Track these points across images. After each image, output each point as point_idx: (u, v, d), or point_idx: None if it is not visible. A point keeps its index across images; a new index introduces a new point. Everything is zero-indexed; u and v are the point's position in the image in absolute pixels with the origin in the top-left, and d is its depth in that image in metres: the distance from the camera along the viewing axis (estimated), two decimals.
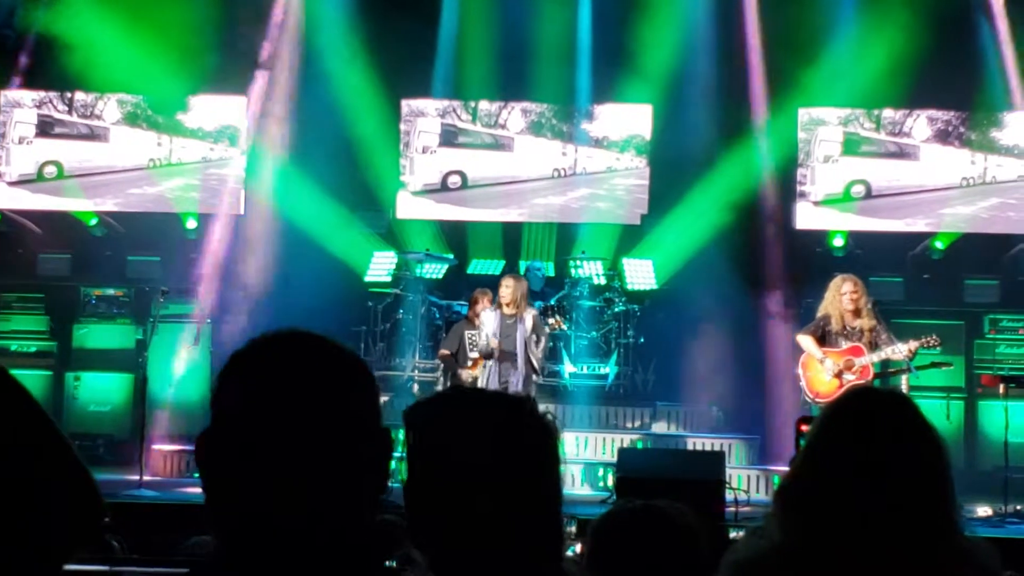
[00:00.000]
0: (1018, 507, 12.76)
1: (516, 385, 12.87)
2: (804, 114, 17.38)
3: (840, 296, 11.98)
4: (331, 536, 2.12)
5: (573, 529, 7.38)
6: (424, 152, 17.90)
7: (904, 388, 12.04)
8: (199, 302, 16.46)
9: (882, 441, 2.55)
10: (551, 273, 16.98)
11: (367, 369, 2.21)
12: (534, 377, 13.23)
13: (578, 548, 7.19)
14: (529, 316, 13.12)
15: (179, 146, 17.73)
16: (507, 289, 13.12)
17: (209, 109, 17.73)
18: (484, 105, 17.82)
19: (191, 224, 17.51)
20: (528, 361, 13.06)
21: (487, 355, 13.10)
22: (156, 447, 14.67)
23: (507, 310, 13.08)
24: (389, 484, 2.23)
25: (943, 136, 17.27)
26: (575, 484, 14.41)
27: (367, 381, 2.20)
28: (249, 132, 17.66)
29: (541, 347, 13.20)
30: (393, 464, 2.24)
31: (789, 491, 2.59)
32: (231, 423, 2.14)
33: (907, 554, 2.47)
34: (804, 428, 7.39)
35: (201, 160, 17.74)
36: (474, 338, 13.49)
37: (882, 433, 2.57)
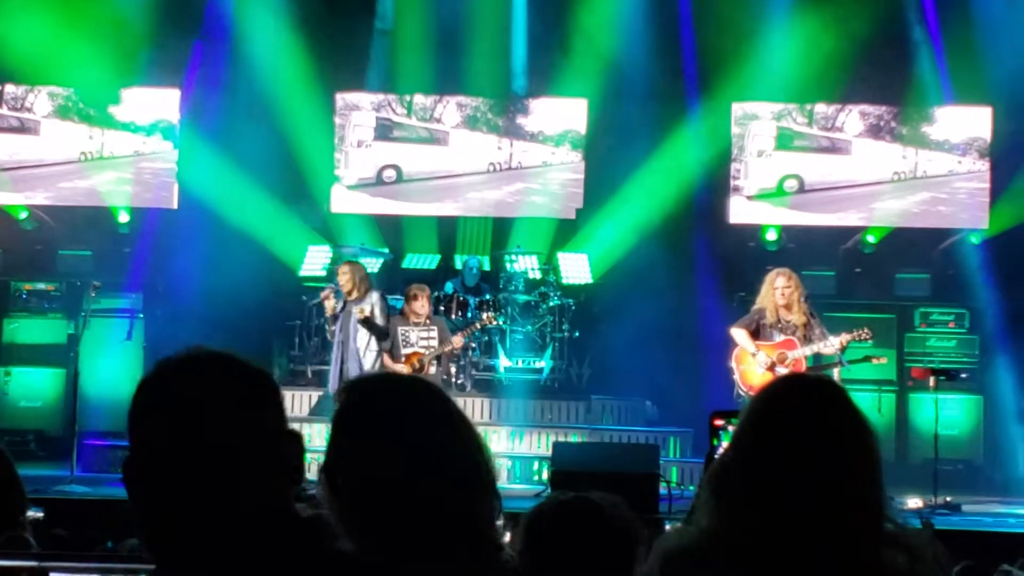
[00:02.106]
0: (948, 499, 12.88)
1: (356, 372, 12.79)
2: (738, 109, 17.47)
3: (773, 290, 12.05)
4: (261, 536, 2.21)
5: (500, 522, 7.38)
6: (359, 146, 17.85)
7: (836, 381, 12.12)
8: (131, 297, 16.34)
9: (811, 426, 2.57)
10: (486, 267, 16.99)
11: (272, 381, 2.36)
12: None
13: (507, 538, 7.22)
14: (368, 300, 13.03)
15: (111, 139, 17.58)
16: (344, 276, 13.09)
17: (141, 102, 17.59)
18: (419, 99, 17.78)
19: (123, 218, 17.38)
20: (366, 346, 12.96)
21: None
22: (88, 442, 14.55)
23: (350, 296, 13.05)
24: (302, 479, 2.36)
25: (875, 131, 17.40)
26: (510, 478, 14.42)
27: (272, 393, 2.33)
28: (182, 125, 17.54)
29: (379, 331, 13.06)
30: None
31: (718, 477, 2.60)
32: (150, 448, 2.26)
33: (835, 540, 2.49)
34: (718, 423, 7.42)
35: (133, 154, 17.59)
36: (407, 334, 13.47)
37: (811, 419, 2.58)
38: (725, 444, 4.31)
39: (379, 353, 13.05)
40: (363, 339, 12.96)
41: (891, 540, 2.54)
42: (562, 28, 17.31)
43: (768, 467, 2.54)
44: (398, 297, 14.86)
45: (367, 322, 12.88)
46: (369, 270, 16.48)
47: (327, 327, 13.34)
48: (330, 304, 13.17)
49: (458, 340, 13.84)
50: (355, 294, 13.04)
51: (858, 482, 2.54)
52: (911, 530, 2.61)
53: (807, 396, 2.64)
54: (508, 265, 16.77)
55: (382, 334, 13.06)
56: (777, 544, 2.48)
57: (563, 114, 17.72)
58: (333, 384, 13.15)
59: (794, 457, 2.53)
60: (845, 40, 16.52)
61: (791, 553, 2.48)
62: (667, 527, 9.18)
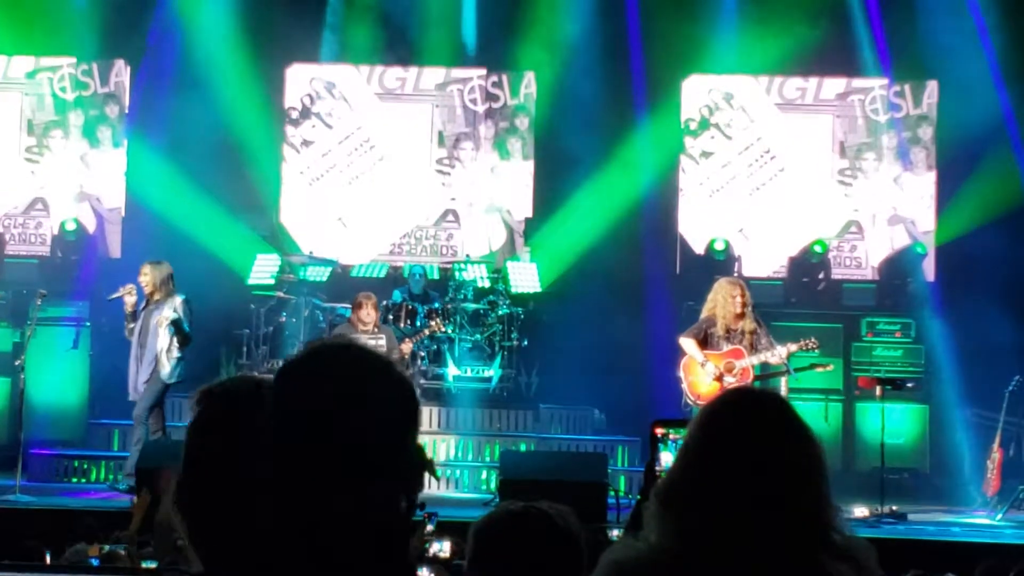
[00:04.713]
0: (894, 507, 12.97)
1: (148, 366, 12.72)
2: (687, 118, 17.57)
3: (731, 299, 12.05)
4: (371, 534, 2.23)
5: (432, 527, 7.42)
6: (309, 152, 17.84)
7: (783, 390, 12.18)
8: (78, 305, 16.21)
9: (758, 440, 2.58)
10: (432, 275, 16.94)
11: (414, 394, 2.35)
12: (164, 366, 13.07)
13: (446, 546, 7.23)
14: (171, 304, 12.86)
15: (59, 144, 17.48)
16: (145, 276, 12.98)
17: (90, 107, 17.49)
18: (371, 103, 17.83)
19: (70, 225, 17.23)
20: (166, 349, 12.81)
21: None
22: (34, 452, 14.43)
23: (152, 297, 12.95)
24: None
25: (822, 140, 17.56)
26: (458, 487, 14.42)
27: (414, 406, 2.33)
28: (131, 132, 17.46)
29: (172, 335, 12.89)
30: None
31: (666, 491, 2.61)
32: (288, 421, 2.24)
33: (783, 553, 2.50)
34: (659, 431, 7.41)
35: (81, 159, 17.50)
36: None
37: (758, 432, 2.60)
38: (665, 454, 4.32)
39: (180, 359, 12.86)
40: (163, 342, 12.81)
41: (837, 551, 2.55)
42: (512, 39, 17.39)
43: (714, 482, 2.55)
44: (346, 306, 14.85)
45: (176, 324, 12.74)
46: (316, 278, 16.47)
47: (125, 324, 13.23)
48: (130, 301, 13.06)
49: (406, 347, 13.83)
50: (156, 296, 12.93)
51: (804, 496, 2.55)
52: (857, 540, 2.63)
53: (752, 411, 2.65)
54: (457, 273, 16.74)
55: (186, 339, 12.90)
56: (724, 558, 2.50)
57: (513, 123, 17.75)
58: (131, 386, 12.97)
59: (740, 472, 2.55)
60: (791, 48, 16.72)
61: (739, 567, 2.49)
62: (614, 533, 9.21)
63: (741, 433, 2.60)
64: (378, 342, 13.66)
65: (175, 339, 12.78)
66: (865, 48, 17.21)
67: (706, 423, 2.67)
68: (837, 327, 16.28)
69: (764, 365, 12.15)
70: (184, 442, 2.38)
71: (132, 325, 13.03)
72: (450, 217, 17.83)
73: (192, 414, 2.41)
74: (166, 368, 12.77)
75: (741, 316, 12.05)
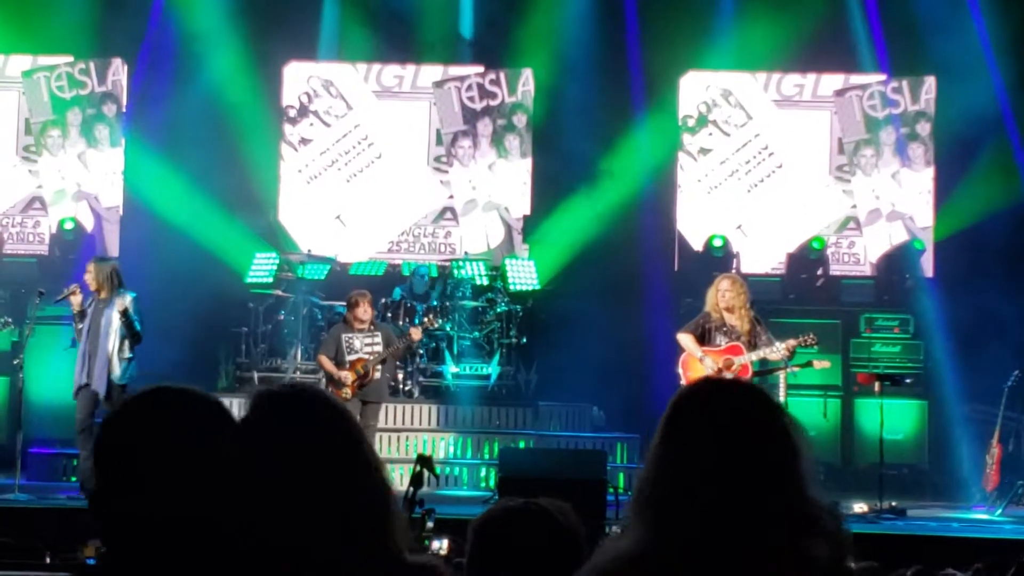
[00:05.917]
0: (893, 503, 12.97)
1: (102, 369, 12.66)
2: (685, 114, 17.57)
3: (717, 292, 12.10)
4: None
5: (431, 525, 7.41)
6: (307, 151, 17.83)
7: (782, 386, 12.19)
8: (77, 303, 16.19)
9: (728, 427, 2.58)
10: (434, 274, 16.93)
11: (225, 411, 2.65)
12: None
13: (445, 543, 7.23)
14: (118, 301, 12.75)
15: (56, 143, 17.47)
16: (89, 274, 12.88)
17: (88, 106, 17.49)
18: (369, 105, 17.81)
19: (68, 224, 17.21)
20: (117, 350, 12.71)
21: None
22: (33, 451, 14.43)
23: (99, 295, 12.86)
24: None
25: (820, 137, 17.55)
26: (457, 484, 14.42)
27: (227, 422, 2.60)
28: (129, 131, 17.45)
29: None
30: None
31: (638, 490, 2.61)
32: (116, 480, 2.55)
33: (757, 535, 2.49)
34: None
35: (79, 158, 17.49)
36: (351, 340, 13.43)
37: (727, 419, 2.60)
38: None
39: (131, 359, 12.78)
40: (113, 342, 12.72)
41: (813, 530, 2.54)
42: (510, 34, 17.39)
43: (686, 472, 2.55)
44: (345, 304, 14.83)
45: (125, 315, 12.62)
46: (314, 276, 16.45)
47: (74, 325, 13.17)
48: (76, 300, 12.98)
49: (416, 333, 13.76)
50: (103, 293, 12.84)
51: (775, 475, 2.54)
52: (831, 512, 2.62)
53: (721, 397, 2.65)
54: (455, 271, 16.74)
55: (137, 337, 12.81)
56: (698, 550, 2.49)
57: (511, 120, 17.76)
58: (77, 383, 12.90)
59: (711, 459, 2.54)
60: (788, 44, 16.74)
61: (716, 552, 2.49)
62: (613, 530, 9.20)
63: (710, 419, 2.61)
64: (374, 339, 13.65)
65: (126, 340, 12.71)
66: (863, 44, 17.24)
67: (675, 413, 2.68)
68: (835, 323, 16.30)
69: (763, 361, 12.14)
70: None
71: (81, 325, 12.98)
72: (448, 215, 17.83)
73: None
74: (116, 371, 12.69)
75: (730, 310, 12.04)
